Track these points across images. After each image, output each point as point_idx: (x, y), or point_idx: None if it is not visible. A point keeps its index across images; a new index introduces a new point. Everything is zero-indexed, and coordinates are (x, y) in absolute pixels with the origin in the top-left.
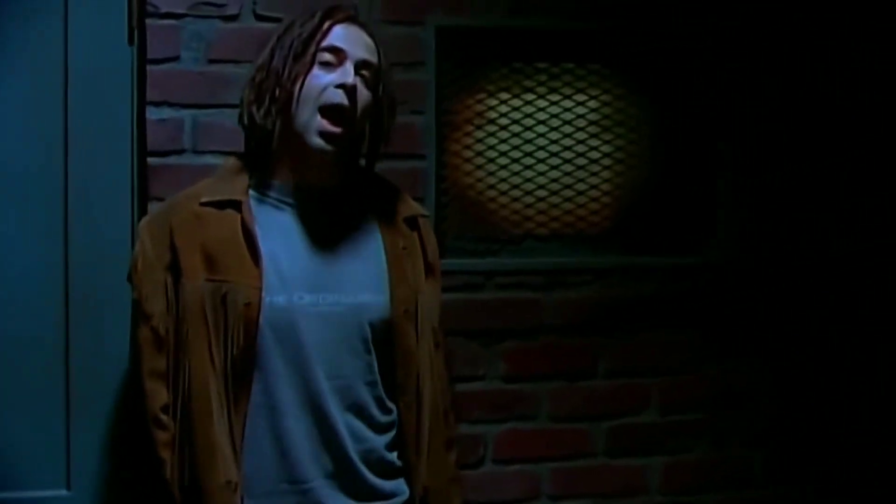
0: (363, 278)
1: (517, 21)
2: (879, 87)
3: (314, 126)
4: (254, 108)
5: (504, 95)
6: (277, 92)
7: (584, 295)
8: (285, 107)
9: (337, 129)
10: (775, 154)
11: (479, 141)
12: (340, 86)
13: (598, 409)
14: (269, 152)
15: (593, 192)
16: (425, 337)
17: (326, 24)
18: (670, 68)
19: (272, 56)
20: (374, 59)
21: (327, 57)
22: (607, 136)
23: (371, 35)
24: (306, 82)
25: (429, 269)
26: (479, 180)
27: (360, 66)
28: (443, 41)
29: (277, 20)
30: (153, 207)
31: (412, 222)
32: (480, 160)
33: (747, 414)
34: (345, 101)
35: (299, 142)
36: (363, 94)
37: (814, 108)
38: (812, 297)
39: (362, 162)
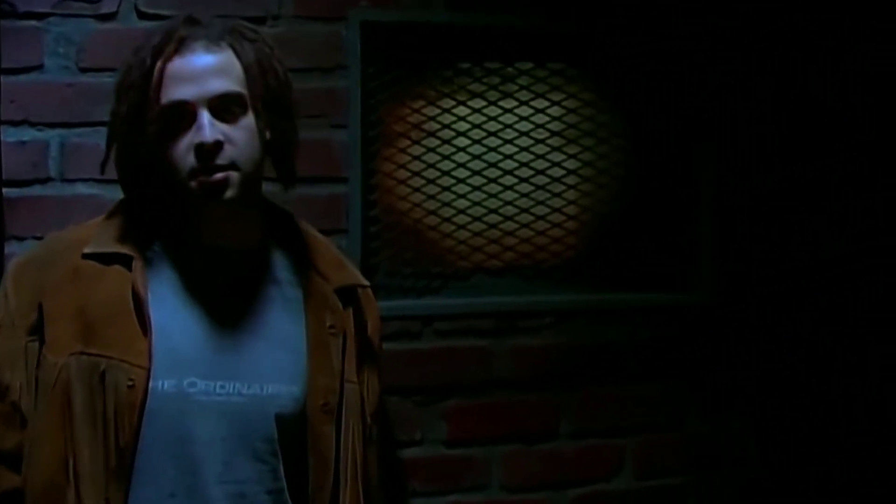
0: (273, 364)
1: (461, 15)
2: (863, 88)
3: (198, 189)
4: (130, 188)
5: (447, 102)
6: (146, 168)
7: (543, 341)
8: (164, 175)
9: (220, 176)
10: (766, 170)
11: (417, 158)
12: (199, 147)
13: (561, 476)
14: (171, 200)
15: (555, 217)
16: (351, 435)
17: (157, 69)
18: (646, 68)
19: (123, 124)
20: (233, 84)
21: (174, 116)
22: (572, 150)
23: (219, 41)
24: (167, 154)
25: (367, 352)
26: (417, 205)
27: (217, 105)
28: (370, 40)
29: (165, 18)
30: (12, 249)
31: (348, 294)
32: (418, 181)
33: (736, 476)
34: (209, 161)
35: (197, 202)
36: (237, 137)
37: (804, 113)
38: (810, 344)
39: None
